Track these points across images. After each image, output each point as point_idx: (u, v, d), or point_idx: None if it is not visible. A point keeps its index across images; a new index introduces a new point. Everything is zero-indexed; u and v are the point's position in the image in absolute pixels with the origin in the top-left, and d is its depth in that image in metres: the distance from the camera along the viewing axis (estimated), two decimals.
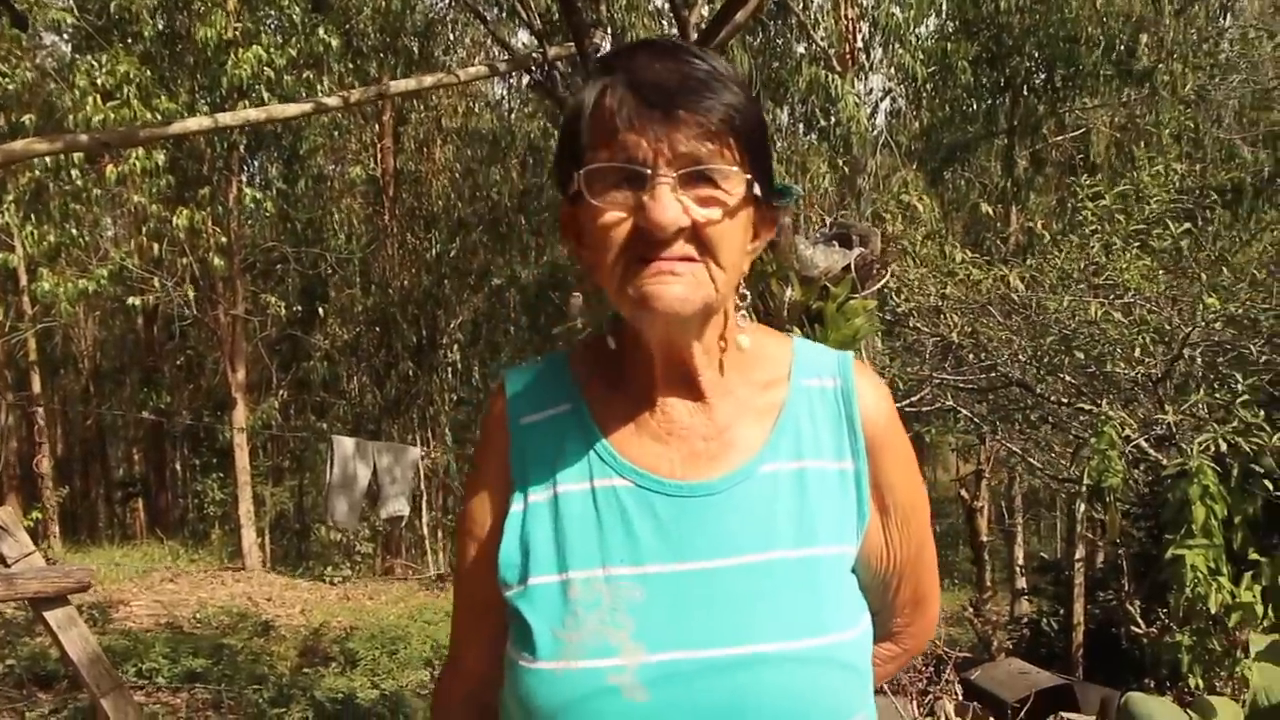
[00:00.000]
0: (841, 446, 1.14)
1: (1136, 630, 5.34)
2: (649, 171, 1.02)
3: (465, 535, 1.19)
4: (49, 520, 17.79)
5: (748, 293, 1.15)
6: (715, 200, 1.04)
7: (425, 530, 19.27)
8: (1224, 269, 6.38)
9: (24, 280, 16.35)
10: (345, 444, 10.31)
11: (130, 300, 15.35)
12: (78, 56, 15.07)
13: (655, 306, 1.03)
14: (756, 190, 1.07)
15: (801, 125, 15.15)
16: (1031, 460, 7.90)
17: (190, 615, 11.14)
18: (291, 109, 3.52)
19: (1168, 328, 6.12)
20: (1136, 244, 6.59)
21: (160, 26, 14.58)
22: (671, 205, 1.01)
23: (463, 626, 1.24)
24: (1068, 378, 6.68)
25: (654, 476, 1.10)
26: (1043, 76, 16.18)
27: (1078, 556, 6.14)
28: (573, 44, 3.73)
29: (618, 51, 1.11)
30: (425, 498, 19.03)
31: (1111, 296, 6.28)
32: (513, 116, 21.07)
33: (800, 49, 15.21)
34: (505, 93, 21.38)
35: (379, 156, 20.31)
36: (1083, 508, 6.03)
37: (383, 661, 8.83)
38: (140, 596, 12.32)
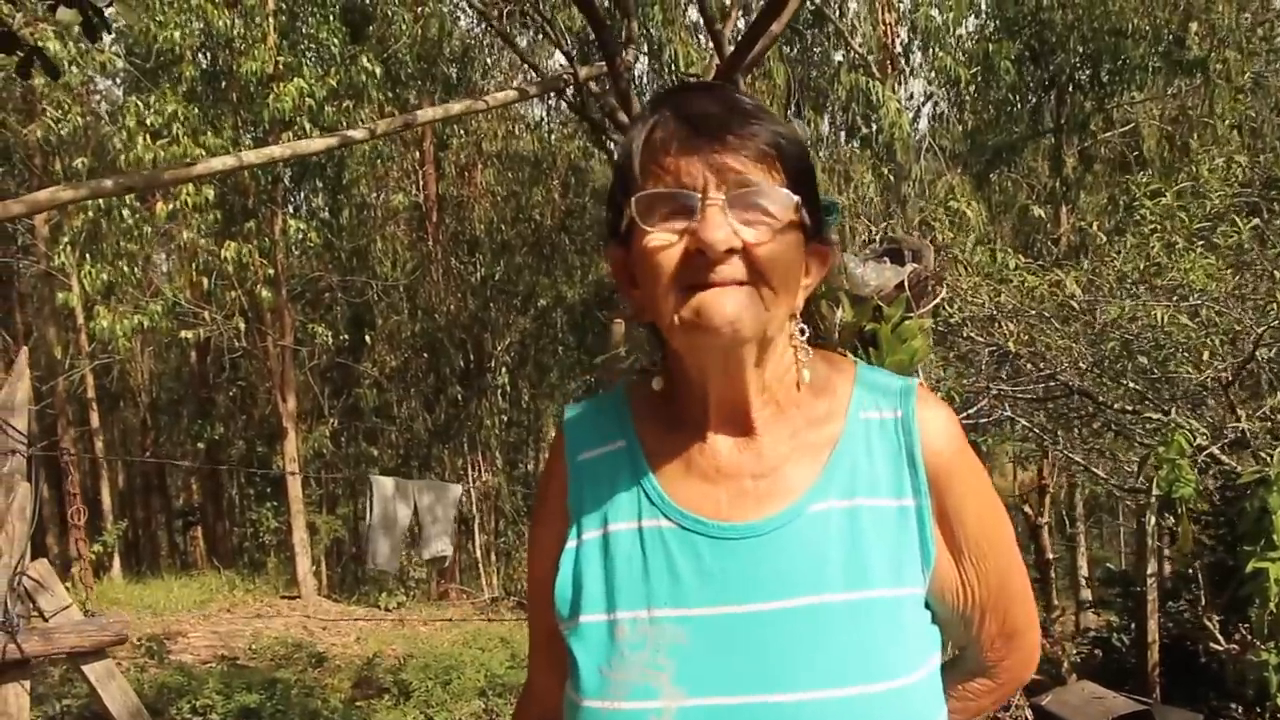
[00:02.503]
0: (901, 482, 1.10)
1: (1216, 647, 5.10)
2: (699, 195, 1.03)
3: (531, 567, 1.22)
4: (109, 554, 18.01)
5: (805, 327, 1.14)
6: (765, 223, 1.04)
7: (479, 554, 19.24)
8: None
9: (80, 319, 16.61)
10: (385, 484, 10.27)
11: (183, 334, 15.54)
12: (127, 98, 15.34)
13: (709, 323, 1.02)
14: (805, 217, 1.07)
15: (843, 134, 14.99)
16: (1095, 470, 7.66)
17: (245, 647, 11.17)
18: (317, 144, 3.46)
19: (1237, 328, 5.88)
20: (1201, 242, 6.35)
21: (204, 65, 14.76)
22: (722, 226, 1.02)
23: (534, 654, 1.27)
24: (1131, 384, 6.46)
25: (697, 518, 1.09)
26: (1088, 72, 15.90)
27: (1150, 571, 5.90)
28: (604, 64, 3.63)
29: (665, 91, 1.14)
30: (478, 520, 19.03)
31: (1175, 298, 6.05)
32: (553, 138, 21.10)
33: (838, 57, 15.06)
34: (545, 114, 21.42)
35: (421, 183, 20.41)
36: (1153, 520, 5.80)
37: (436, 693, 8.75)
38: (198, 628, 12.38)
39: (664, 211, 1.04)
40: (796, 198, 1.05)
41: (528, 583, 1.24)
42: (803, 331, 1.13)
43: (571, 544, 1.13)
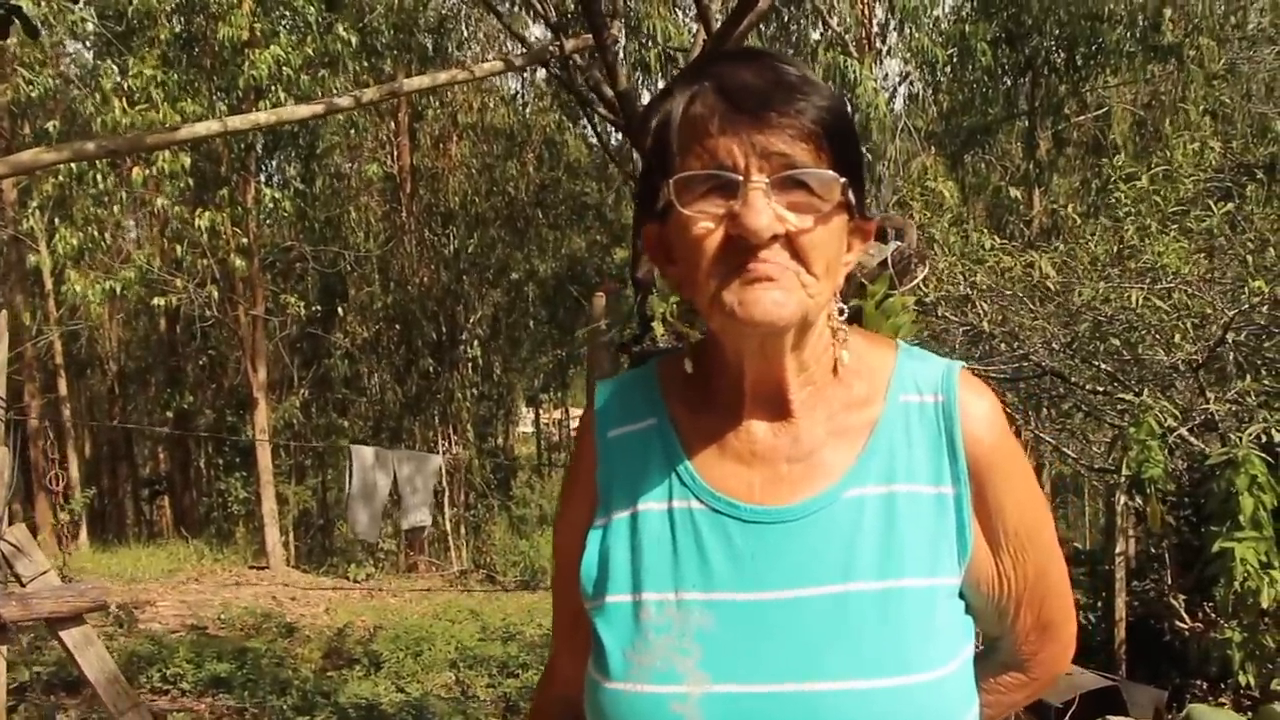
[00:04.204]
0: (940, 469, 1.06)
1: (1181, 625, 5.19)
2: (740, 178, 0.98)
3: (557, 545, 1.19)
4: (75, 522, 17.89)
5: (845, 306, 1.09)
6: (809, 206, 0.99)
7: (448, 527, 19.24)
8: (1271, 249, 6.18)
9: (49, 284, 16.43)
10: (365, 453, 10.22)
11: (154, 301, 15.41)
12: (100, 62, 15.13)
13: (751, 315, 0.98)
14: (850, 196, 1.02)
15: None
16: (1066, 450, 7.74)
17: (215, 616, 11.14)
18: (303, 110, 3.42)
19: (1209, 312, 5.95)
20: (1174, 226, 6.41)
21: (177, 29, 14.57)
22: (765, 210, 0.97)
23: (558, 634, 1.23)
24: (1103, 365, 6.52)
25: (730, 500, 1.06)
26: (1063, 55, 15.97)
27: (1118, 550, 5.99)
28: (590, 36, 3.61)
29: (705, 59, 1.12)
30: (448, 494, 19.01)
31: (1148, 280, 6.11)
32: (528, 110, 20.99)
33: (816, 35, 15.06)
34: (520, 86, 21.31)
35: (396, 154, 20.27)
36: (1122, 499, 5.88)
37: (407, 664, 8.76)
38: (166, 597, 12.34)
39: (702, 190, 0.99)
40: (843, 179, 1.00)
41: (554, 562, 1.21)
42: (841, 311, 1.09)
43: (600, 522, 1.11)
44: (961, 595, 1.07)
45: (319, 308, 19.17)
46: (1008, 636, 1.17)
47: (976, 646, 1.14)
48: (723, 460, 1.08)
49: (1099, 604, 7.29)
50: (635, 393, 1.16)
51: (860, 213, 1.06)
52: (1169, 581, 5.65)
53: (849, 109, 1.06)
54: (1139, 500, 5.90)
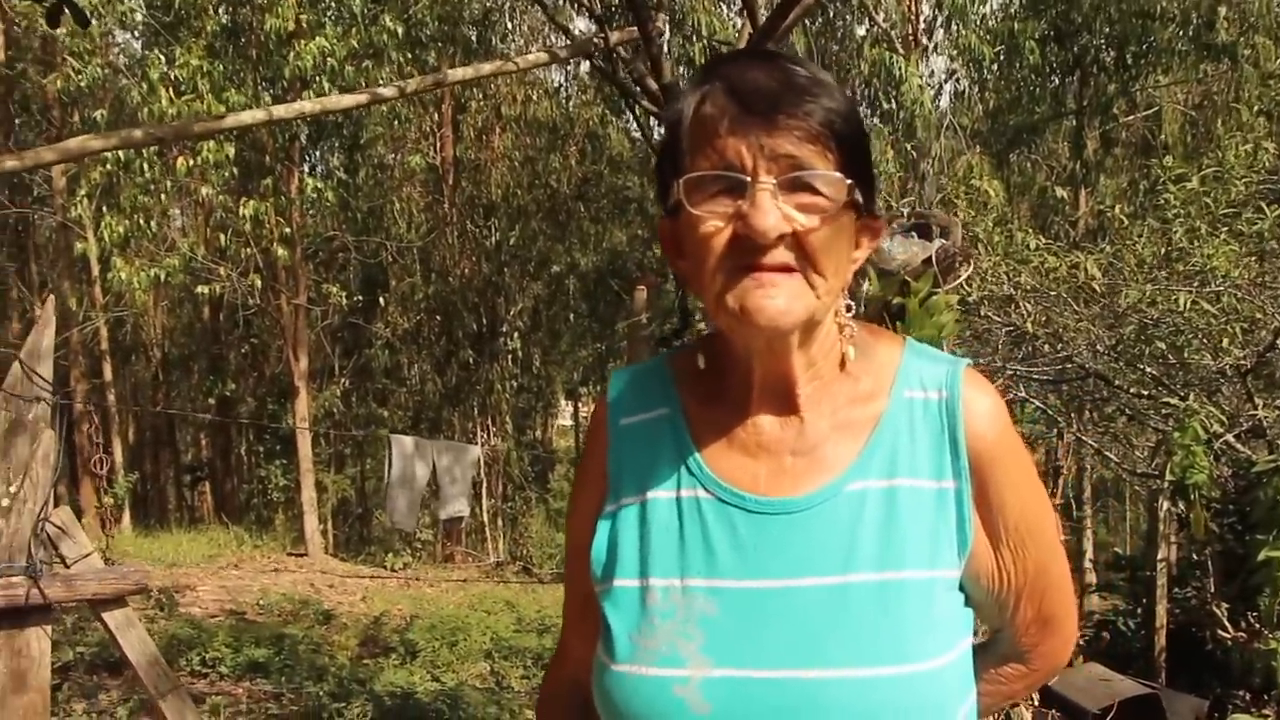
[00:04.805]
0: (942, 464, 1.08)
1: (1223, 634, 5.11)
2: (748, 179, 1.00)
3: (569, 530, 1.22)
4: (119, 507, 18.14)
5: (853, 303, 1.12)
6: (816, 207, 1.02)
7: (485, 518, 19.34)
8: None
9: (95, 271, 16.66)
10: (404, 443, 10.27)
11: (198, 289, 15.59)
12: (148, 52, 15.30)
13: (756, 320, 1.01)
14: (858, 196, 1.04)
15: (864, 109, 14.89)
16: (1108, 454, 7.64)
17: (253, 602, 11.25)
18: (348, 100, 3.44)
19: (1259, 317, 5.84)
20: (1224, 228, 6.30)
21: (224, 20, 14.71)
22: (771, 211, 0.99)
23: (569, 616, 1.26)
24: (1148, 369, 6.43)
25: (735, 490, 1.08)
26: (1113, 54, 15.75)
27: (1160, 556, 5.90)
28: (635, 29, 3.60)
29: (716, 59, 1.11)
30: (485, 485, 19.10)
31: (1196, 283, 6.01)
32: (571, 104, 21.02)
33: (861, 31, 14.96)
34: (564, 80, 21.34)
35: (438, 145, 20.37)
36: (1165, 505, 5.79)
37: (443, 653, 8.81)
38: (206, 582, 12.47)
39: (712, 190, 1.02)
40: (849, 180, 1.02)
41: (566, 548, 1.24)
42: (849, 308, 1.11)
43: (610, 508, 1.14)
44: (962, 588, 1.10)
45: (360, 298, 19.30)
46: (1008, 629, 1.20)
47: (978, 638, 1.15)
48: (730, 452, 1.11)
49: (1139, 610, 7.18)
50: (648, 383, 1.19)
51: (869, 211, 1.08)
52: (1212, 589, 5.56)
53: (858, 109, 1.07)
54: (1182, 506, 5.81)
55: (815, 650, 1.00)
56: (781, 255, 1.00)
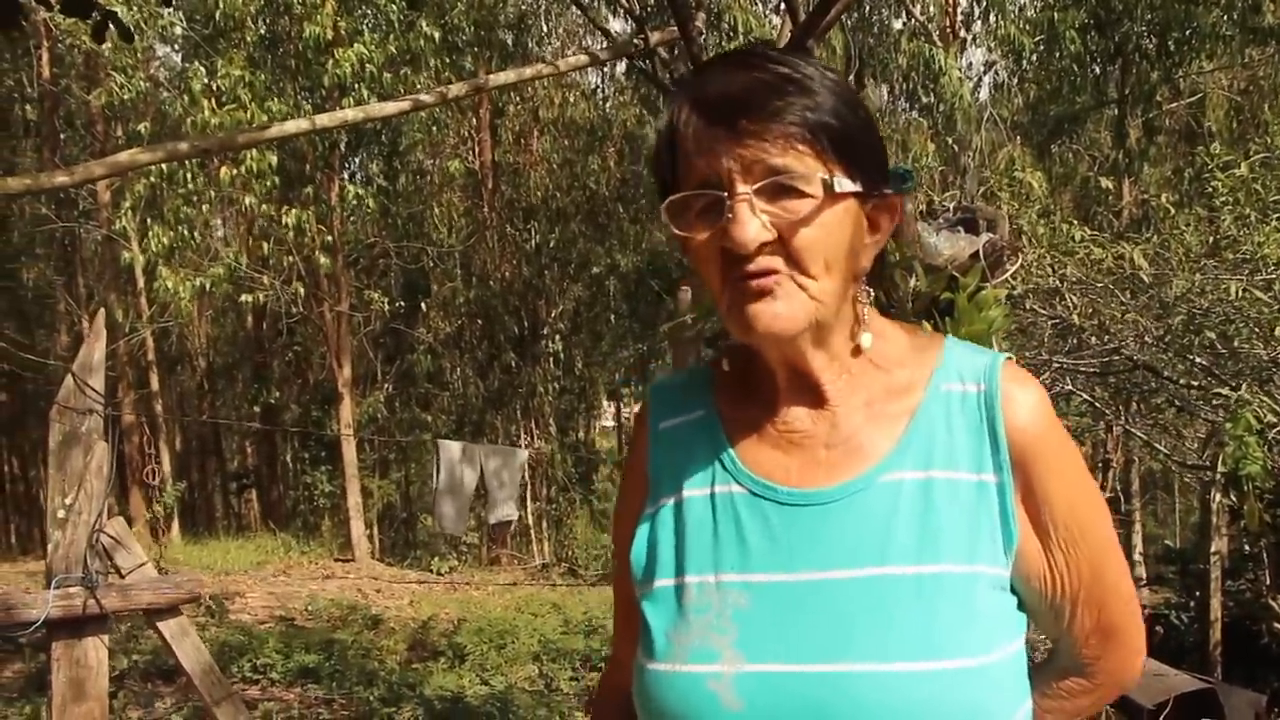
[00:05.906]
0: (982, 457, 1.06)
1: (1279, 627, 5.02)
2: (724, 194, 1.00)
3: (615, 536, 1.22)
4: (169, 515, 18.37)
5: (871, 290, 1.11)
6: (799, 207, 1.01)
7: (530, 520, 19.39)
8: None
9: (141, 282, 16.89)
10: (452, 448, 10.30)
11: (242, 298, 15.77)
12: (187, 65, 15.50)
13: (755, 328, 1.02)
14: (844, 186, 1.02)
15: (903, 102, 14.80)
16: (1158, 446, 7.53)
17: (302, 608, 11.36)
18: (389, 107, 3.46)
19: None
20: (1275, 215, 6.18)
21: (263, 31, 14.88)
22: (750, 222, 0.99)
23: (618, 622, 1.27)
24: (1198, 359, 6.33)
25: (768, 483, 1.08)
26: (1155, 41, 15.52)
27: (1212, 549, 5.79)
28: (674, 29, 3.59)
29: (696, 69, 1.14)
30: (530, 488, 19.16)
31: (1246, 271, 5.91)
32: (609, 105, 21.04)
33: (898, 24, 14.87)
34: (601, 81, 21.37)
35: (477, 150, 20.46)
36: (1217, 497, 5.70)
37: (491, 656, 8.85)
38: (255, 589, 12.61)
39: (697, 208, 1.02)
40: (825, 175, 1.00)
41: (614, 553, 1.23)
42: (868, 294, 1.10)
43: (650, 510, 1.14)
44: (1014, 590, 1.07)
45: (402, 303, 19.44)
46: (1065, 638, 1.16)
47: (1037, 655, 1.12)
48: (763, 446, 1.11)
49: (1191, 604, 7.07)
50: (688, 387, 1.20)
51: (871, 192, 1.06)
52: (1267, 582, 5.45)
53: (849, 92, 1.05)
54: (1235, 498, 5.71)
55: (846, 644, 0.99)
56: (767, 261, 1.00)
